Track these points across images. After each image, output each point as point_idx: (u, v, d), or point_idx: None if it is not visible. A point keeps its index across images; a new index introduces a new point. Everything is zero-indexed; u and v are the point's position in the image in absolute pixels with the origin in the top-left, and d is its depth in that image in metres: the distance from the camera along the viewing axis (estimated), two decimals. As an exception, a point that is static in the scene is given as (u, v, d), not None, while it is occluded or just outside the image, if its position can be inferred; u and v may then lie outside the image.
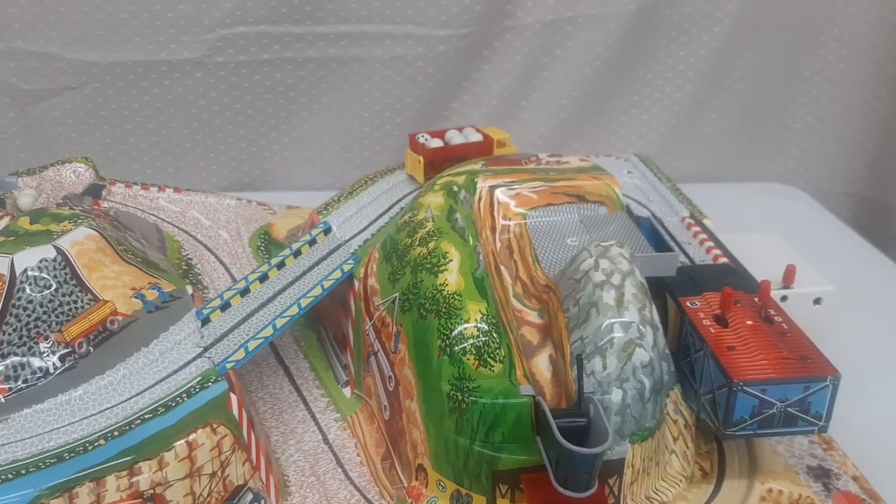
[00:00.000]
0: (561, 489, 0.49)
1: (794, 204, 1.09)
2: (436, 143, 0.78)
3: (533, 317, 0.62)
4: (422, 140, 0.78)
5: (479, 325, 0.55)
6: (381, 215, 0.73)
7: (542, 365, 0.58)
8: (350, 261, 0.65)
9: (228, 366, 0.54)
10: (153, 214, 0.80)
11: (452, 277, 0.57)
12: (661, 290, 0.62)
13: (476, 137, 0.80)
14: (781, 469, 0.58)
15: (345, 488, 0.56)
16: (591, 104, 1.08)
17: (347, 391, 0.65)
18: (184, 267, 0.74)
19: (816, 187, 1.14)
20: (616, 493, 0.54)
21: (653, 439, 0.56)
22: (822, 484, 0.58)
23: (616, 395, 0.54)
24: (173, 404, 0.50)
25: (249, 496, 0.52)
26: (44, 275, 0.56)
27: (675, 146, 1.12)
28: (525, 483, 0.52)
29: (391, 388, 0.59)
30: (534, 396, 0.52)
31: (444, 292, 0.56)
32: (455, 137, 0.80)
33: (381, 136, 1.07)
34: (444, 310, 0.56)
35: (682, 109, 1.09)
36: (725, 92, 1.09)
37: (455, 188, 0.68)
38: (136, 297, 0.58)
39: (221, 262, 0.76)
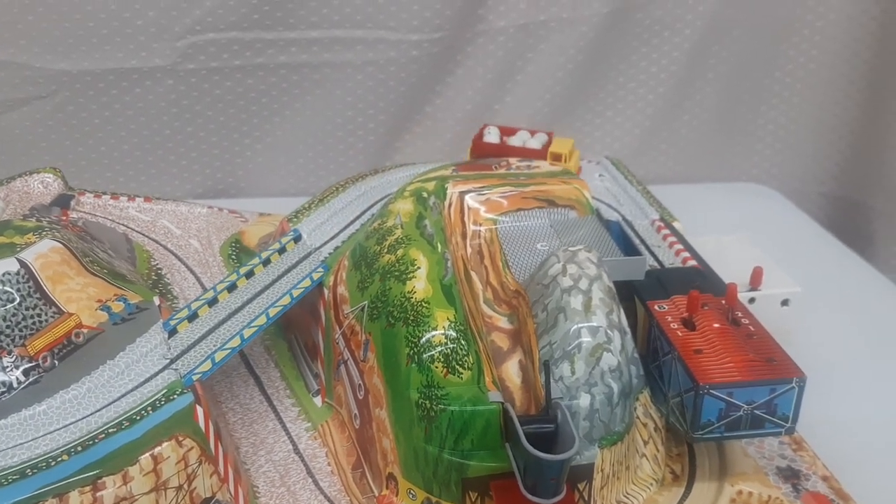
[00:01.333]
0: (529, 496, 0.49)
1: (768, 204, 1.10)
2: (493, 138, 0.80)
3: (503, 322, 0.62)
4: (487, 132, 0.81)
5: (447, 332, 0.55)
6: (351, 222, 0.72)
7: (511, 371, 0.58)
8: (320, 269, 0.65)
9: (195, 377, 0.53)
10: (123, 224, 0.79)
11: (420, 285, 0.57)
12: (630, 294, 0.62)
13: (534, 144, 0.80)
14: (751, 471, 0.59)
15: (315, 498, 0.56)
16: (565, 107, 1.08)
17: (318, 400, 0.65)
18: (153, 277, 0.73)
19: (790, 187, 1.15)
20: (586, 498, 0.54)
21: (622, 443, 0.56)
22: (791, 485, 0.58)
23: (584, 400, 0.54)
24: (138, 418, 0.49)
25: (217, 509, 0.52)
26: (7, 288, 0.55)
27: (650, 148, 1.12)
28: (494, 490, 0.52)
29: (361, 397, 0.59)
30: (502, 403, 0.52)
31: (412, 300, 0.56)
32: (517, 139, 0.81)
33: (354, 141, 1.06)
34: (412, 317, 0.56)
35: (655, 111, 1.10)
36: (698, 93, 1.10)
37: (425, 194, 0.68)
38: (101, 310, 0.58)
39: (192, 272, 0.76)
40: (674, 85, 1.09)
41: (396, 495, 0.56)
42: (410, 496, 0.55)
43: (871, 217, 1.09)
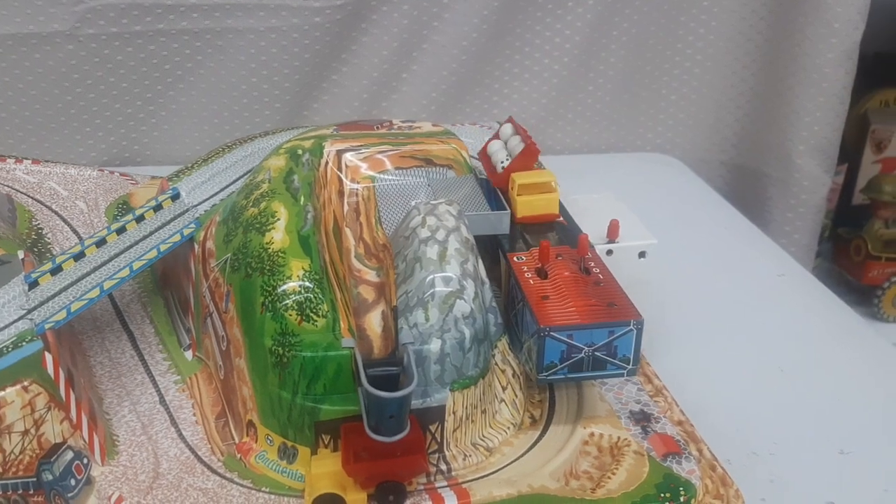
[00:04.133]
0: (372, 434, 0.50)
1: (670, 172, 1.13)
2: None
3: (371, 276, 0.63)
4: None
5: (302, 282, 0.56)
6: (233, 182, 0.73)
7: (374, 321, 0.59)
8: (192, 225, 0.66)
9: (47, 326, 0.54)
10: (7, 186, 0.79)
11: (278, 235, 0.58)
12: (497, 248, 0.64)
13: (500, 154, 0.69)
14: (604, 414, 0.61)
15: (175, 446, 0.57)
16: (472, 76, 1.10)
17: (189, 354, 0.65)
18: (33, 236, 0.73)
19: (693, 156, 1.18)
20: (438, 440, 0.56)
21: (476, 387, 0.57)
22: (641, 427, 0.60)
23: (435, 345, 0.55)
24: (-18, 364, 0.50)
25: (69, 454, 0.52)
26: None
27: (557, 118, 1.14)
28: (343, 432, 0.53)
29: (224, 348, 0.60)
30: (352, 348, 0.53)
31: (269, 250, 0.57)
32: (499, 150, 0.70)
33: (260, 108, 1.07)
34: (268, 267, 0.57)
35: (561, 81, 1.12)
36: (602, 64, 1.12)
37: (300, 152, 0.69)
38: (-40, 262, 0.58)
39: (76, 232, 0.75)
40: (578, 55, 1.11)
41: (256, 441, 0.57)
42: (268, 442, 0.56)
43: (766, 184, 1.12)
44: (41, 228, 0.74)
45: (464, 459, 0.57)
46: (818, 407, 0.68)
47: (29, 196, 0.78)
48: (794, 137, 1.08)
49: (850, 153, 1.26)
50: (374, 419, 0.50)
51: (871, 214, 1.23)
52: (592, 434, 0.59)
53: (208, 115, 1.06)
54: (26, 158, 0.83)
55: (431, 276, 0.57)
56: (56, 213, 0.77)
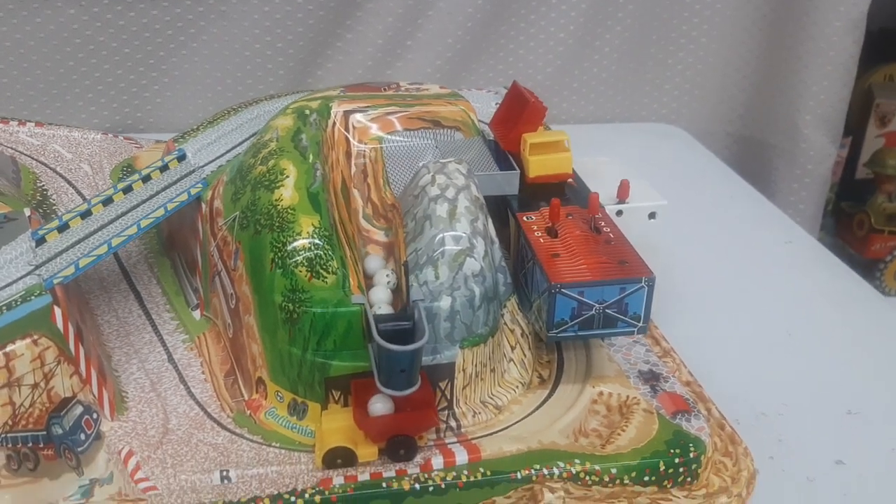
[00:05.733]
0: (383, 388, 0.50)
1: (675, 143, 1.12)
2: None
3: (380, 236, 0.63)
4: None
5: (311, 238, 0.56)
6: (240, 143, 0.72)
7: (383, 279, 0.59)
8: (199, 184, 0.65)
9: (56, 281, 0.53)
10: (11, 148, 0.78)
11: (287, 193, 0.58)
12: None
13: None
14: (613, 374, 0.61)
15: (185, 403, 0.57)
16: (476, 44, 1.09)
17: (197, 314, 0.65)
18: (38, 198, 0.72)
19: (699, 127, 1.17)
20: (448, 397, 0.56)
21: (486, 345, 0.57)
22: (650, 386, 0.60)
23: (445, 303, 0.55)
24: (-9, 317, 0.50)
25: (79, 408, 0.52)
26: None
27: (562, 87, 1.13)
28: (353, 387, 0.53)
29: (233, 306, 0.60)
30: (362, 304, 0.53)
31: (279, 207, 0.57)
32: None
33: (264, 74, 1.06)
34: (277, 224, 0.56)
35: (566, 50, 1.11)
36: (608, 32, 1.11)
37: (307, 112, 0.68)
38: (-33, 219, 0.57)
39: (80, 194, 0.75)
40: (584, 24, 1.10)
41: (265, 398, 0.57)
42: (278, 398, 0.56)
43: (772, 155, 1.12)
44: (46, 189, 0.74)
45: (473, 417, 0.57)
46: (826, 369, 0.68)
47: (33, 158, 0.78)
48: (800, 107, 1.07)
49: (853, 127, 1.25)
50: (385, 373, 0.50)
51: (875, 188, 1.23)
52: (601, 393, 0.59)
53: (212, 81, 1.05)
54: (29, 121, 0.83)
55: (441, 234, 0.57)
56: (61, 175, 0.77)
